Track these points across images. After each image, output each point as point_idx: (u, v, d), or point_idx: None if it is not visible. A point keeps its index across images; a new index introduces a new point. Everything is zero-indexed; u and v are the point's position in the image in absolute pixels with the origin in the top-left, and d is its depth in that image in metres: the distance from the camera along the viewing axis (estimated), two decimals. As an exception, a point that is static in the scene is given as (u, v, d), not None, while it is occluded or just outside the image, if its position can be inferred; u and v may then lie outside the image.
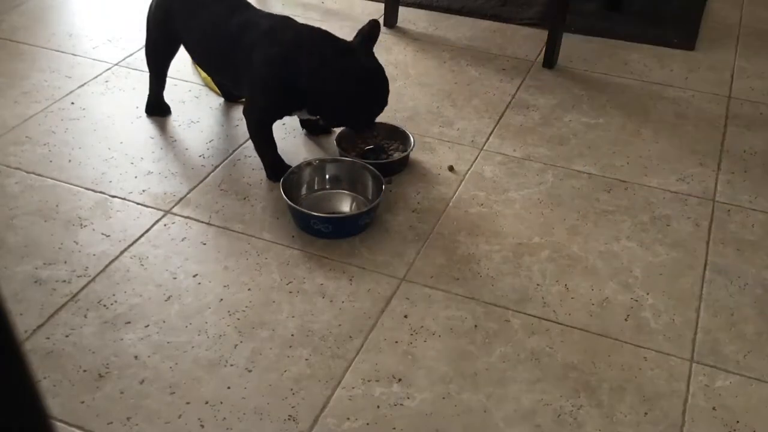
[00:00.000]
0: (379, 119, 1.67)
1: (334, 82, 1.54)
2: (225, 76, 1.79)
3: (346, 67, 1.55)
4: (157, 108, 1.89)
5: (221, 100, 1.97)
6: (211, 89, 1.99)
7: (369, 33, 1.59)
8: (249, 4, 1.71)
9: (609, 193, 1.69)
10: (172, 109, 1.91)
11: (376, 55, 1.60)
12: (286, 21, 1.64)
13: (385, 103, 1.64)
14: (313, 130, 1.84)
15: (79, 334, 1.31)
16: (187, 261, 1.47)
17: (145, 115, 1.89)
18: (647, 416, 1.21)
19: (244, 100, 1.94)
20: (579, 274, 1.47)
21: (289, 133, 1.83)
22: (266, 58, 1.58)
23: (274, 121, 1.68)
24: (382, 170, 1.63)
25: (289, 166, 1.66)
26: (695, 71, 2.18)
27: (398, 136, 1.78)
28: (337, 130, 1.80)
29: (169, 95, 1.93)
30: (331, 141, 1.81)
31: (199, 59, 1.81)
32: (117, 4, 2.44)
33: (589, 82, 2.12)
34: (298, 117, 1.79)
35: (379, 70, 1.60)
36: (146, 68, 2.10)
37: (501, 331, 1.35)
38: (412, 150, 1.73)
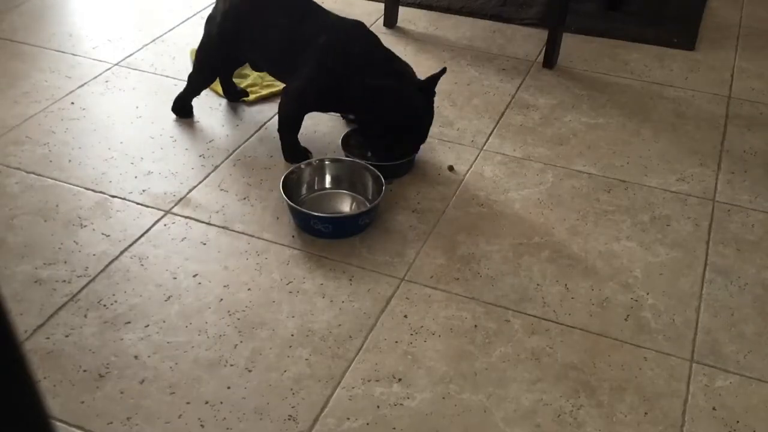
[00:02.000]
0: None
1: (384, 107, 1.62)
2: (287, 75, 1.76)
3: (401, 100, 1.63)
4: (185, 110, 1.88)
5: (222, 100, 1.97)
6: (212, 89, 1.99)
7: (437, 76, 1.66)
8: (319, 7, 1.72)
9: (609, 193, 1.69)
10: (171, 109, 1.91)
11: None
12: (361, 30, 1.68)
13: (418, 142, 1.71)
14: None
15: (79, 334, 1.31)
16: (187, 261, 1.47)
17: (145, 115, 1.89)
18: (647, 416, 1.21)
19: (246, 99, 1.95)
20: (579, 274, 1.47)
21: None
22: (329, 63, 1.63)
23: (309, 111, 1.75)
24: (386, 173, 1.64)
25: (306, 151, 1.74)
26: (695, 71, 2.18)
27: None
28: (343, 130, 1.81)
29: (169, 95, 1.93)
30: (335, 140, 1.81)
31: (264, 64, 1.79)
32: (117, 4, 2.44)
33: (589, 82, 2.12)
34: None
35: (426, 109, 1.67)
36: (146, 68, 2.11)
37: (501, 331, 1.35)
38: (417, 152, 1.73)
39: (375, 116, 1.64)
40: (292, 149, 1.74)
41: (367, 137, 1.71)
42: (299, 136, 1.76)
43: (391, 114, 1.63)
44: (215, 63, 1.84)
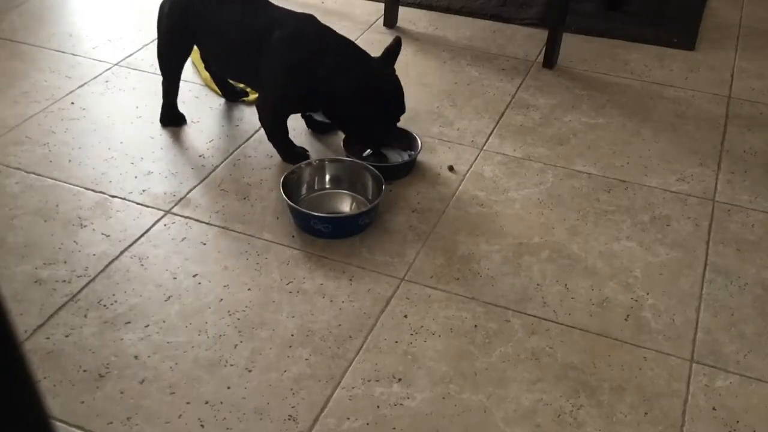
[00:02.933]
0: None
1: (350, 90, 1.59)
2: (244, 75, 1.77)
3: (362, 77, 1.59)
4: (173, 118, 1.85)
5: (221, 100, 1.96)
6: (212, 89, 1.99)
7: (392, 49, 1.63)
8: (271, 2, 1.71)
9: (609, 193, 1.69)
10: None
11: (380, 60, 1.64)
12: (312, 22, 1.67)
13: (398, 114, 1.68)
14: (317, 128, 1.84)
15: (79, 334, 1.31)
16: (187, 261, 1.47)
17: (145, 115, 1.89)
18: (647, 416, 1.21)
19: (246, 99, 1.95)
20: (579, 274, 1.47)
21: (293, 130, 1.83)
22: (289, 59, 1.61)
23: (288, 116, 1.73)
24: (388, 174, 1.64)
25: (302, 149, 1.74)
26: (695, 71, 2.18)
27: (406, 139, 1.78)
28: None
29: (169, 95, 1.93)
30: (336, 140, 1.81)
31: (216, 59, 1.79)
32: (117, 4, 2.44)
33: (589, 82, 2.12)
34: (310, 115, 1.84)
35: (395, 83, 1.64)
36: (146, 68, 2.11)
37: (501, 331, 1.35)
38: (419, 153, 1.73)
39: (347, 102, 1.61)
40: (288, 151, 1.74)
41: (349, 132, 1.69)
42: (298, 138, 1.76)
43: (359, 92, 1.59)
44: (172, 57, 1.81)
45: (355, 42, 1.66)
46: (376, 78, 1.62)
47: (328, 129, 1.83)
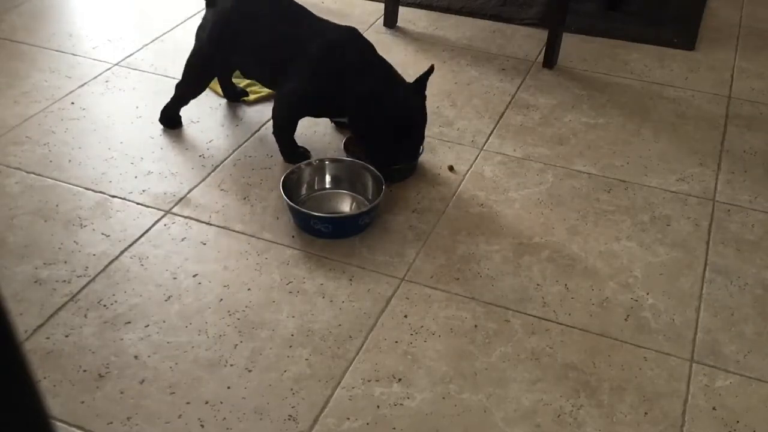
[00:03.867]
0: None
1: (374, 111, 1.61)
2: (275, 82, 1.75)
3: (390, 102, 1.61)
4: (172, 120, 1.86)
5: (222, 100, 1.97)
6: (212, 89, 1.99)
7: (424, 75, 1.64)
8: (310, 13, 1.71)
9: (609, 193, 1.69)
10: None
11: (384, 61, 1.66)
12: (354, 35, 1.67)
13: (414, 145, 1.69)
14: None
15: (79, 334, 1.31)
16: (187, 261, 1.47)
17: (145, 115, 1.89)
18: (647, 416, 1.21)
19: (246, 99, 1.95)
20: (579, 274, 1.47)
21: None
22: (321, 64, 1.62)
23: (302, 116, 1.75)
24: (387, 177, 1.64)
25: (303, 150, 1.74)
26: (695, 71, 2.18)
27: None
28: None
29: (169, 95, 1.93)
30: (336, 141, 1.81)
31: (256, 73, 1.77)
32: (117, 4, 2.44)
33: (589, 82, 2.12)
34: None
35: (419, 114, 1.66)
36: (146, 68, 2.11)
37: (501, 331, 1.35)
38: (421, 155, 1.73)
39: (369, 122, 1.63)
40: (290, 151, 1.74)
41: (364, 145, 1.69)
42: (298, 136, 1.76)
43: (384, 118, 1.61)
44: (206, 72, 1.81)
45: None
46: (402, 106, 1.63)
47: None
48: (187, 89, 1.82)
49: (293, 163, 1.68)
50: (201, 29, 1.76)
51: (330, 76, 1.63)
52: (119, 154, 1.75)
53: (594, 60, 2.22)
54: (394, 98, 1.61)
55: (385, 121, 1.61)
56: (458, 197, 1.66)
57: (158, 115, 1.86)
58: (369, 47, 1.67)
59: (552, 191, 1.69)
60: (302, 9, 1.71)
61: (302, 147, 1.76)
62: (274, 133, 1.74)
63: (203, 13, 1.79)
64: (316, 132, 1.85)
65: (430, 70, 1.65)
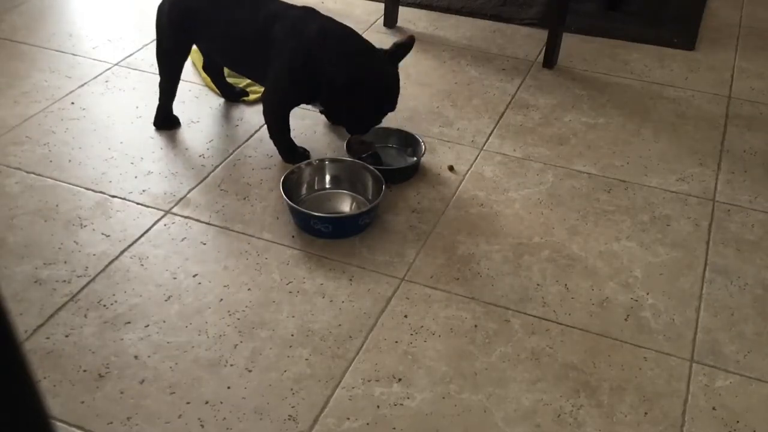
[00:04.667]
0: (389, 124, 1.69)
1: (346, 79, 1.57)
2: (248, 70, 1.76)
3: (361, 67, 1.58)
4: (167, 121, 1.85)
5: (221, 100, 1.96)
6: (211, 89, 1.99)
7: (402, 44, 1.63)
8: None
9: (609, 193, 1.69)
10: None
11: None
12: (313, 13, 1.66)
13: (389, 108, 1.66)
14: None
15: (79, 334, 1.31)
16: (187, 261, 1.47)
17: (145, 115, 1.89)
18: (647, 416, 1.21)
19: (246, 99, 1.95)
20: (579, 274, 1.47)
21: (294, 130, 1.83)
22: (292, 50, 1.61)
23: (292, 108, 1.73)
24: (392, 177, 1.64)
25: (303, 149, 1.74)
26: (695, 71, 2.18)
27: (410, 142, 1.77)
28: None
29: (169, 95, 1.93)
30: (336, 141, 1.81)
31: (220, 55, 1.79)
32: (117, 4, 2.44)
33: (589, 82, 2.12)
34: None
35: (392, 75, 1.63)
36: (146, 68, 2.11)
37: (501, 331, 1.35)
38: (422, 156, 1.73)
39: (341, 94, 1.60)
40: (289, 150, 1.74)
41: (335, 120, 1.68)
42: (298, 137, 1.76)
43: (355, 85, 1.58)
44: (173, 57, 1.80)
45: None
46: (374, 70, 1.60)
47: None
48: (164, 81, 1.82)
49: (293, 163, 1.68)
50: (160, 13, 1.76)
51: (301, 56, 1.61)
52: (119, 154, 1.75)
53: (594, 60, 2.22)
54: (364, 62, 1.59)
55: (355, 84, 1.58)
56: (458, 197, 1.66)
57: (153, 120, 1.85)
58: (330, 21, 1.65)
59: (552, 191, 1.69)
60: None
61: (301, 147, 1.75)
62: (270, 135, 1.74)
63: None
64: (316, 132, 1.85)
65: (410, 40, 1.63)
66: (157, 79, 1.84)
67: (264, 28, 1.64)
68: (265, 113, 1.73)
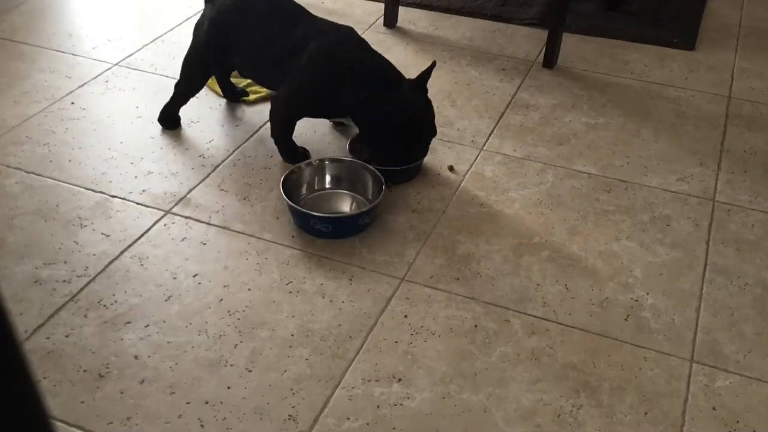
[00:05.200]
0: None
1: (380, 114, 1.61)
2: (278, 84, 1.73)
3: (391, 98, 1.60)
4: (172, 121, 1.85)
5: (222, 100, 1.97)
6: (212, 89, 1.99)
7: (426, 72, 1.64)
8: (308, 13, 1.71)
9: (609, 193, 1.69)
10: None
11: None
12: (351, 35, 1.67)
13: (424, 138, 1.67)
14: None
15: (79, 334, 1.31)
16: (187, 261, 1.47)
17: (145, 115, 1.89)
18: (647, 416, 1.21)
19: (246, 99, 1.95)
20: (579, 274, 1.47)
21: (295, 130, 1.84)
22: (318, 66, 1.62)
23: (298, 118, 1.74)
24: (391, 178, 1.64)
25: (303, 150, 1.74)
26: (695, 71, 2.18)
27: None
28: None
29: (169, 95, 1.92)
30: (336, 141, 1.81)
31: (251, 71, 1.78)
32: (117, 4, 2.44)
33: (589, 82, 2.12)
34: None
35: (422, 107, 1.65)
36: (146, 68, 2.11)
37: (501, 331, 1.35)
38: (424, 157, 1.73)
39: (372, 125, 1.63)
40: (290, 151, 1.74)
41: (374, 146, 1.68)
42: (298, 137, 1.76)
43: (386, 119, 1.61)
44: (203, 70, 1.81)
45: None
46: (403, 101, 1.62)
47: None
48: (186, 88, 1.82)
49: (293, 163, 1.68)
50: (198, 26, 1.76)
51: (327, 77, 1.62)
52: (119, 154, 1.75)
53: (594, 60, 2.22)
54: (395, 98, 1.61)
55: (387, 122, 1.61)
56: (458, 197, 1.66)
57: (158, 116, 1.85)
58: (366, 47, 1.66)
59: (552, 191, 1.69)
60: (300, 8, 1.71)
61: (302, 147, 1.75)
62: (272, 135, 1.74)
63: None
64: (316, 132, 1.85)
65: (432, 66, 1.65)
66: (158, 78, 1.84)
67: (300, 45, 1.64)
68: (272, 116, 1.73)
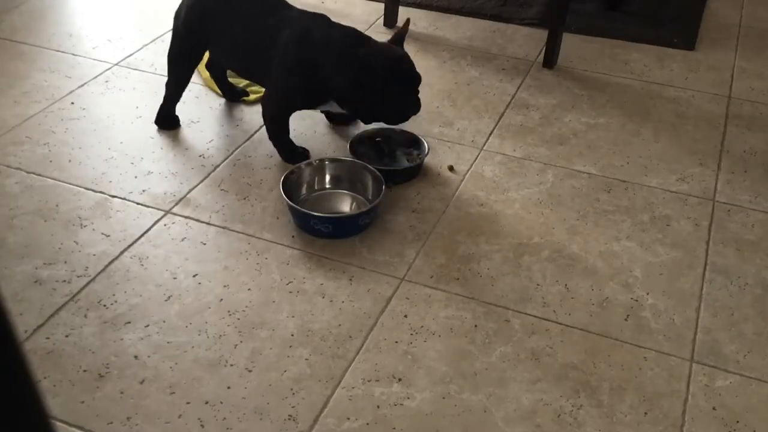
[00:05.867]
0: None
1: (358, 73, 1.58)
2: (257, 76, 1.76)
3: (367, 55, 1.58)
4: (169, 120, 1.85)
5: (221, 100, 1.96)
6: (212, 89, 1.99)
7: (398, 32, 1.65)
8: (285, 2, 1.72)
9: (609, 193, 1.69)
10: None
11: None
12: (321, 21, 1.66)
13: (413, 84, 1.65)
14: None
15: (79, 334, 1.31)
16: (187, 261, 1.47)
17: (145, 115, 1.89)
18: (647, 416, 1.21)
19: (246, 99, 1.95)
20: (579, 274, 1.47)
21: (294, 131, 1.83)
22: (294, 58, 1.62)
23: (290, 114, 1.73)
24: (391, 178, 1.64)
25: (302, 149, 1.74)
26: (695, 71, 2.18)
27: (412, 142, 1.78)
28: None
29: (169, 95, 1.93)
30: (337, 140, 1.81)
31: (229, 60, 1.79)
32: (117, 4, 2.44)
33: (589, 82, 2.12)
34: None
35: (402, 57, 1.63)
36: (146, 68, 2.11)
37: (501, 331, 1.35)
38: (425, 157, 1.73)
39: (365, 82, 1.60)
40: (288, 151, 1.74)
41: (369, 110, 1.66)
42: (298, 136, 1.76)
43: (378, 66, 1.58)
44: (186, 61, 1.81)
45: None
46: (383, 51, 1.61)
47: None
48: (174, 82, 1.82)
49: (293, 163, 1.68)
50: (177, 15, 1.77)
51: (305, 63, 1.62)
52: (119, 154, 1.75)
53: (594, 60, 2.22)
54: (375, 51, 1.60)
55: (375, 74, 1.58)
56: (458, 197, 1.66)
57: (155, 118, 1.85)
58: (336, 27, 1.65)
59: (552, 191, 1.69)
60: None
61: (301, 147, 1.75)
62: (269, 137, 1.74)
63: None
64: (316, 132, 1.85)
65: (406, 24, 1.66)
66: (158, 78, 1.84)
67: (273, 34, 1.64)
68: (265, 117, 1.73)
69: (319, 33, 1.62)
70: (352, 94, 1.62)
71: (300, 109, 1.75)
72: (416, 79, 1.66)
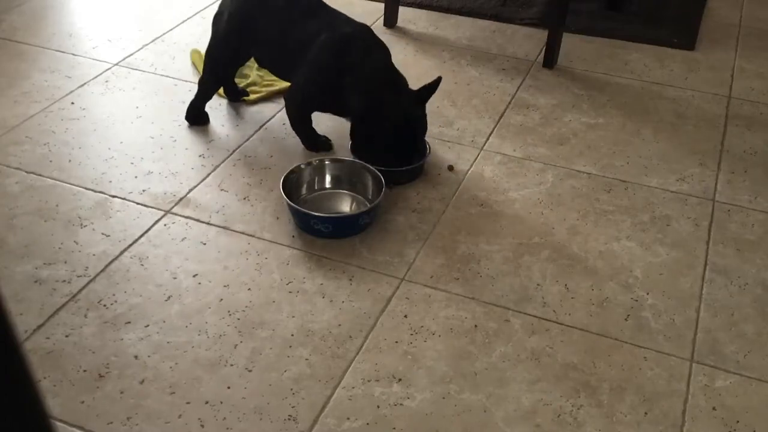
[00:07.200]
0: None
1: (373, 113, 1.62)
2: (291, 74, 1.75)
3: (380, 97, 1.61)
4: (199, 117, 1.86)
5: (222, 100, 1.96)
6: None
7: (430, 86, 1.65)
8: (326, 5, 1.73)
9: (609, 193, 1.69)
10: (172, 109, 1.90)
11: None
12: (364, 32, 1.68)
13: (407, 146, 1.67)
14: None
15: (79, 334, 1.31)
16: (187, 261, 1.47)
17: (145, 115, 1.89)
18: (647, 416, 1.21)
19: (246, 99, 1.95)
20: (579, 274, 1.47)
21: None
22: (326, 60, 1.64)
23: (311, 111, 1.76)
24: (398, 177, 1.65)
25: (325, 138, 1.77)
26: (695, 71, 2.18)
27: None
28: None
29: (169, 95, 1.93)
30: (338, 140, 1.81)
31: (269, 64, 1.80)
32: (117, 4, 2.44)
33: (589, 82, 2.12)
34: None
35: (414, 127, 1.65)
36: (146, 68, 2.11)
37: (501, 331, 1.35)
38: (428, 155, 1.73)
39: (367, 123, 1.64)
40: (311, 139, 1.77)
41: (361, 142, 1.69)
42: (318, 127, 1.78)
43: (382, 122, 1.61)
44: (228, 63, 1.83)
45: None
46: (400, 109, 1.62)
47: None
48: (210, 81, 1.83)
49: (316, 151, 1.72)
50: (217, 17, 1.78)
51: (330, 70, 1.64)
52: (119, 154, 1.75)
53: (594, 60, 2.22)
54: (393, 103, 1.61)
55: (380, 124, 1.62)
56: (458, 197, 1.66)
57: (158, 116, 1.86)
58: (375, 48, 1.67)
59: (552, 191, 1.69)
60: (318, 1, 1.73)
61: (323, 135, 1.77)
62: (291, 127, 1.77)
63: (207, 11, 1.79)
64: (319, 132, 1.85)
65: (437, 82, 1.66)
66: (158, 78, 1.84)
67: (312, 38, 1.65)
68: (287, 108, 1.77)
69: (356, 50, 1.63)
70: (358, 119, 1.66)
71: (320, 109, 1.76)
72: (415, 150, 1.67)
